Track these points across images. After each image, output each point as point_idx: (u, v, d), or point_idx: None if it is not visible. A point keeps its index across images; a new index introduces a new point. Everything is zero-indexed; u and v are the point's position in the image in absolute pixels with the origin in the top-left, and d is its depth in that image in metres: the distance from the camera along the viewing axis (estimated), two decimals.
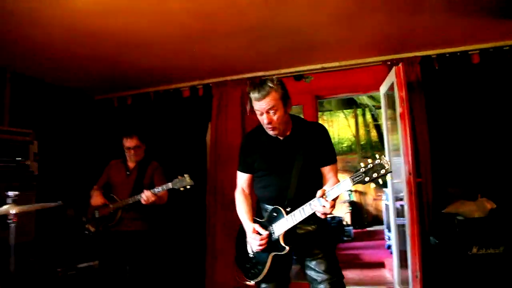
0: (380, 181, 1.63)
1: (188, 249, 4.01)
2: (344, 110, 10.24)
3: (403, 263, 3.41)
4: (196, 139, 4.24)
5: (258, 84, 1.92)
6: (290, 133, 2.06)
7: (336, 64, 3.95)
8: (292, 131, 2.07)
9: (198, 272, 3.99)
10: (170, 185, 2.83)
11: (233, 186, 3.90)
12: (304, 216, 1.83)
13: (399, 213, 4.53)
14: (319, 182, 2.04)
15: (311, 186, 2.00)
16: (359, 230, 8.04)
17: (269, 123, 1.93)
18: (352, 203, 8.47)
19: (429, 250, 3.11)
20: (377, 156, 1.64)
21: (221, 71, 4.13)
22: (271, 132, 1.99)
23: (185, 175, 2.82)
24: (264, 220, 2.02)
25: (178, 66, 3.93)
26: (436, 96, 3.62)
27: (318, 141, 2.04)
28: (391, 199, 3.76)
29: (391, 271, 4.37)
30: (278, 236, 1.92)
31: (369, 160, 1.65)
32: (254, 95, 1.91)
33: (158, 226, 3.29)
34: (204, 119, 4.26)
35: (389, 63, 3.75)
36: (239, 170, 2.20)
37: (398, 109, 3.01)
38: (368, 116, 10.37)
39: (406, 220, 2.97)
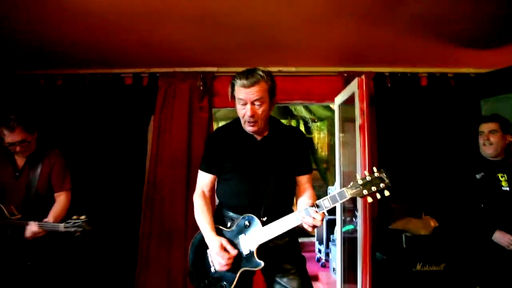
0: (378, 195, 1.50)
1: (118, 256, 3.51)
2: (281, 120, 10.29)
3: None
4: (135, 133, 3.78)
5: (247, 70, 1.72)
6: (267, 134, 1.85)
7: (293, 69, 3.84)
8: (269, 132, 1.86)
9: (127, 280, 3.51)
10: (61, 227, 2.23)
11: (175, 191, 3.62)
12: (287, 228, 1.63)
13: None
14: (293, 192, 1.87)
15: (287, 195, 1.84)
16: None
17: (252, 115, 1.70)
18: None
19: (375, 266, 3.06)
20: (374, 169, 1.53)
21: (170, 60, 3.75)
22: (249, 129, 1.76)
23: (81, 217, 2.24)
24: (230, 229, 1.76)
25: (121, 48, 3.45)
26: (387, 112, 3.70)
27: (297, 148, 1.87)
28: (339, 212, 3.69)
29: (327, 286, 4.32)
30: (251, 250, 1.67)
31: (366, 173, 1.53)
32: (241, 81, 1.68)
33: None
34: (147, 112, 3.83)
35: (345, 75, 3.76)
36: (202, 170, 1.91)
37: (358, 121, 2.96)
38: (302, 128, 10.56)
39: (358, 235, 2.90)
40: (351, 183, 1.53)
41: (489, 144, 2.48)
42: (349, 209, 3.62)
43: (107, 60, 3.76)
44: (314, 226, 1.57)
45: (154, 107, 3.80)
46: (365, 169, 2.86)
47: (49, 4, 2.58)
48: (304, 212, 1.57)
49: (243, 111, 1.72)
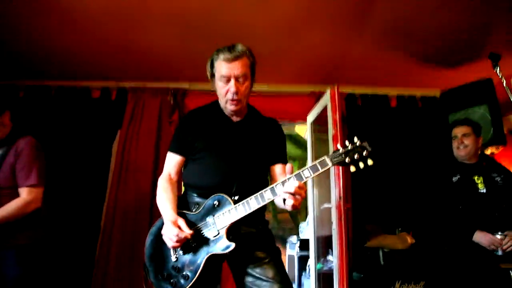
0: (361, 164, 1.40)
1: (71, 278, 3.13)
2: None
3: None
4: (100, 147, 3.57)
5: (229, 46, 1.62)
6: (244, 118, 1.75)
7: (265, 87, 3.82)
8: (246, 116, 1.76)
9: None
10: None
11: (136, 209, 3.36)
12: (263, 203, 1.45)
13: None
14: (266, 181, 1.72)
15: (261, 179, 1.68)
16: None
17: (236, 92, 1.60)
18: None
19: (352, 287, 2.88)
20: (355, 138, 1.43)
21: (141, 73, 3.66)
22: (232, 107, 1.65)
23: None
24: (195, 213, 1.58)
25: (90, 57, 3.35)
26: (358, 131, 3.69)
27: (274, 136, 1.76)
28: (313, 232, 3.51)
29: None
30: (220, 231, 1.49)
31: (347, 142, 1.43)
32: (224, 56, 1.59)
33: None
34: (113, 125, 3.65)
35: (317, 93, 3.77)
36: (170, 151, 1.75)
37: (331, 131, 2.92)
38: None
39: (334, 251, 2.73)
40: (332, 153, 1.41)
41: (463, 147, 2.49)
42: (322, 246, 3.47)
43: (75, 71, 3.62)
44: (297, 199, 1.36)
45: (121, 122, 3.63)
46: (339, 180, 2.77)
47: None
48: (287, 183, 1.38)
49: (225, 89, 1.61)
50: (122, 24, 2.84)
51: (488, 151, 3.15)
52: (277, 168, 1.73)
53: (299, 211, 8.76)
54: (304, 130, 4.63)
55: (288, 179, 1.40)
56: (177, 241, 1.45)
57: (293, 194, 1.36)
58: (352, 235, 3.32)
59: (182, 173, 1.76)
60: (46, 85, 3.73)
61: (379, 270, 2.81)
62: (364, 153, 1.38)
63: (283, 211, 9.36)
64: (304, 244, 4.41)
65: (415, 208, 3.33)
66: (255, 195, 1.46)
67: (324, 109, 3.26)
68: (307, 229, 5.46)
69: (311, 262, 3.55)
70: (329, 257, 3.50)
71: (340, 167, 2.79)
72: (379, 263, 2.85)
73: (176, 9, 2.67)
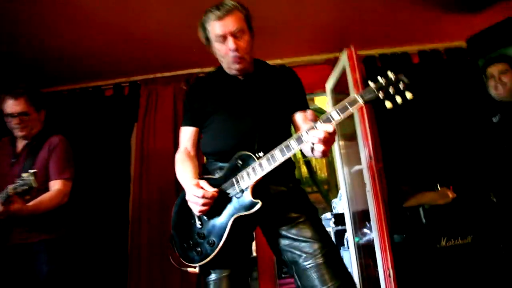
0: (399, 99, 1.22)
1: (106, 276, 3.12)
2: None
3: None
4: (118, 143, 3.54)
5: (216, 4, 1.51)
6: (252, 72, 1.62)
7: (279, 61, 3.69)
8: (255, 70, 1.63)
9: None
10: (10, 189, 1.85)
11: (163, 198, 3.31)
12: (288, 154, 1.29)
13: None
14: (289, 134, 1.57)
15: (283, 132, 1.55)
16: None
17: (236, 49, 1.48)
18: None
19: (394, 250, 2.73)
20: (388, 72, 1.25)
21: (152, 64, 3.61)
22: (236, 66, 1.53)
23: (30, 172, 1.85)
24: (219, 177, 1.46)
25: (101, 56, 3.33)
26: None
27: (288, 83, 1.62)
28: (346, 198, 3.36)
29: None
30: (245, 189, 1.35)
31: (379, 77, 1.25)
32: (213, 15, 1.48)
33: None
34: (129, 119, 3.61)
35: (333, 59, 3.60)
36: (182, 125, 1.66)
37: (353, 92, 2.76)
38: (298, 152, 10.31)
39: (371, 213, 2.58)
40: (363, 90, 1.25)
41: (502, 85, 2.29)
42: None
43: (86, 72, 3.60)
44: (327, 143, 1.21)
45: (137, 115, 3.59)
46: (367, 141, 2.61)
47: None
48: (315, 127, 1.22)
49: (224, 49, 1.50)
50: (122, 12, 2.77)
51: None
52: (298, 116, 1.59)
53: (330, 189, 8.59)
54: (324, 102, 4.46)
55: (315, 124, 1.25)
56: (203, 204, 1.33)
57: (322, 140, 1.20)
58: (388, 197, 3.17)
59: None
60: (59, 90, 3.74)
61: (421, 228, 2.63)
62: (401, 86, 1.21)
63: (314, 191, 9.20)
64: (338, 219, 4.28)
65: (453, 160, 3.16)
66: (279, 146, 1.31)
67: (343, 74, 3.10)
68: (340, 204, 5.31)
69: (349, 234, 3.40)
70: (366, 230, 3.36)
71: (367, 124, 2.63)
72: (420, 222, 2.66)
73: None
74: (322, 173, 10.33)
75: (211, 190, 1.35)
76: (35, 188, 1.83)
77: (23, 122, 2.16)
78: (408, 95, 1.22)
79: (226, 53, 1.50)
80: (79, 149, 3.34)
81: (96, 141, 3.53)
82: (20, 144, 2.24)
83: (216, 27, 1.48)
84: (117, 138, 3.56)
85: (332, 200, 5.53)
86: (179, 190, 3.17)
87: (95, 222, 3.21)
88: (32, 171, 1.83)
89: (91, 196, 3.29)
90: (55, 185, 2.13)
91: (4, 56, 3.12)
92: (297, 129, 1.60)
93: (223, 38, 1.48)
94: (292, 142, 1.30)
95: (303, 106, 1.60)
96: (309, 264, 1.34)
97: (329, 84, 3.50)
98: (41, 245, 2.08)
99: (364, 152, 2.64)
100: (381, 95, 1.22)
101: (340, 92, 3.45)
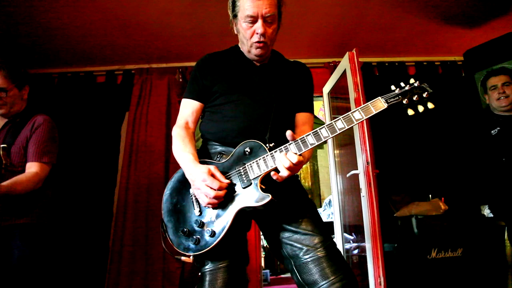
0: (420, 108, 1.21)
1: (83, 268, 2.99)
2: None
3: None
4: (108, 131, 3.42)
5: None
6: (268, 62, 1.55)
7: None
8: (270, 60, 1.56)
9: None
10: None
11: (149, 191, 3.20)
12: (304, 150, 1.23)
13: None
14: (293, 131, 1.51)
15: (291, 128, 1.46)
16: (273, 276, 7.45)
17: (263, 34, 1.39)
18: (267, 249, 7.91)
19: (384, 258, 2.70)
20: (412, 79, 1.23)
21: (147, 54, 3.52)
22: (257, 51, 1.45)
23: None
24: (222, 162, 1.37)
25: (93, 39, 3.22)
26: None
27: (300, 81, 1.55)
28: (338, 215, 3.32)
29: None
30: (253, 181, 1.27)
31: (402, 83, 1.23)
32: None
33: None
34: (121, 108, 3.51)
35: (332, 64, 3.60)
36: (186, 97, 1.53)
37: (353, 95, 2.74)
38: None
39: (365, 219, 2.55)
40: (387, 94, 1.21)
41: (504, 96, 2.32)
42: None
43: (79, 57, 3.48)
44: (290, 171, 1.20)
45: (129, 104, 3.49)
46: (365, 146, 2.58)
47: None
48: (329, 127, 1.20)
49: (251, 30, 1.41)
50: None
51: None
52: (302, 118, 1.52)
53: (313, 199, 8.55)
54: (317, 107, 4.44)
55: (336, 121, 1.21)
56: (216, 197, 1.23)
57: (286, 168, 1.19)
58: (379, 205, 3.15)
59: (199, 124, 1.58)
60: (49, 72, 3.60)
61: (413, 239, 2.61)
62: (425, 94, 1.19)
63: None
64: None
65: (446, 172, 3.17)
66: (295, 141, 1.24)
67: (342, 78, 3.09)
68: (324, 213, 5.29)
69: (338, 242, 3.36)
70: (352, 241, 3.35)
71: (365, 129, 2.61)
72: (412, 232, 2.65)
73: None
74: (306, 182, 10.30)
75: (225, 181, 1.26)
76: (3, 163, 1.69)
77: (1, 99, 1.99)
78: (430, 105, 1.21)
79: (251, 35, 1.42)
80: (66, 135, 3.25)
81: (85, 128, 3.41)
82: (1, 122, 2.06)
83: (249, 5, 1.38)
84: (107, 126, 3.45)
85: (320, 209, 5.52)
86: (168, 181, 3.09)
87: (77, 211, 3.08)
88: (2, 145, 1.71)
89: (75, 184, 3.16)
90: (32, 167, 1.97)
91: None
92: (296, 130, 1.51)
93: (253, 19, 1.40)
94: (309, 137, 1.24)
95: (306, 108, 1.54)
96: (310, 257, 1.28)
97: (327, 88, 3.49)
98: (15, 229, 1.94)
99: (362, 157, 2.61)
100: (405, 101, 1.20)
101: (337, 95, 3.44)
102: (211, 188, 1.23)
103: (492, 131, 2.25)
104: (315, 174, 9.17)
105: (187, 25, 3.08)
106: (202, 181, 1.25)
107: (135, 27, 3.07)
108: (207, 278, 1.32)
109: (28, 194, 1.93)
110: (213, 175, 1.26)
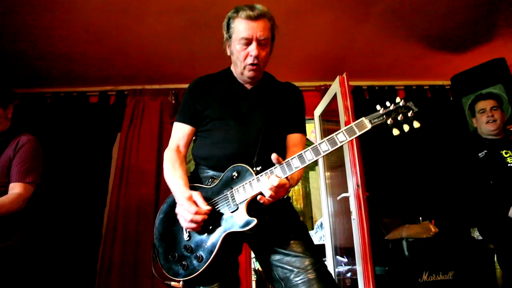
0: (406, 127, 1.19)
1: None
2: None
3: None
4: (99, 152, 3.41)
5: (248, 4, 1.44)
6: (259, 84, 1.57)
7: None
8: (261, 82, 1.58)
9: None
10: None
11: (139, 214, 3.17)
12: (288, 173, 1.23)
13: None
14: (284, 153, 1.51)
15: (283, 151, 1.48)
16: None
17: (257, 56, 1.42)
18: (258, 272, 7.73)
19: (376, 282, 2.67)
20: (397, 99, 1.23)
21: (140, 75, 3.55)
22: (250, 73, 1.47)
23: None
24: (211, 186, 1.38)
25: (89, 61, 3.26)
26: None
27: (292, 102, 1.56)
28: (329, 238, 3.30)
29: None
30: (239, 205, 1.27)
31: (387, 103, 1.23)
32: (245, 13, 1.40)
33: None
34: (113, 129, 3.51)
35: (323, 87, 3.67)
36: (178, 121, 1.55)
37: (343, 118, 2.78)
38: None
39: (355, 242, 2.54)
40: (371, 115, 1.21)
41: (493, 120, 2.37)
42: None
43: (72, 77, 3.51)
44: (275, 193, 1.19)
45: (121, 125, 3.49)
46: (355, 168, 2.60)
47: None
48: (316, 148, 1.21)
49: (245, 52, 1.43)
50: (119, 21, 2.75)
51: None
52: (293, 139, 1.53)
53: (305, 221, 8.48)
54: (309, 130, 4.48)
55: (320, 143, 1.21)
56: (194, 221, 1.24)
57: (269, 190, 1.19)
58: (370, 228, 3.15)
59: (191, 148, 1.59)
60: (42, 92, 3.61)
61: (404, 262, 2.60)
62: (410, 113, 1.18)
63: None
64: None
65: (436, 195, 3.20)
66: (280, 164, 1.24)
67: (332, 102, 3.14)
68: (316, 236, 5.24)
69: (329, 265, 3.32)
70: (344, 263, 3.32)
71: (355, 151, 2.63)
72: (403, 255, 2.64)
73: (175, 4, 2.57)
74: (298, 204, 10.26)
75: (204, 208, 1.26)
76: None
77: None
78: (416, 124, 1.19)
79: (245, 57, 1.45)
80: (58, 154, 3.25)
81: (77, 148, 3.39)
82: None
83: (244, 27, 1.41)
84: (99, 146, 3.44)
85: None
86: (159, 204, 3.05)
87: (65, 232, 3.03)
88: None
89: (65, 204, 3.12)
90: (15, 188, 1.94)
91: None
92: (287, 151, 1.52)
93: (247, 41, 1.43)
94: (294, 160, 1.24)
95: (300, 129, 1.56)
96: (301, 279, 1.27)
97: (318, 111, 3.53)
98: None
99: (352, 180, 2.63)
100: (389, 121, 1.20)
101: (328, 118, 3.48)
102: (187, 211, 1.24)
103: (480, 154, 2.29)
104: (307, 196, 9.13)
105: (180, 47, 3.13)
106: (180, 205, 1.28)
107: (129, 49, 3.11)
108: None
109: (11, 216, 1.90)
110: (194, 201, 1.27)
